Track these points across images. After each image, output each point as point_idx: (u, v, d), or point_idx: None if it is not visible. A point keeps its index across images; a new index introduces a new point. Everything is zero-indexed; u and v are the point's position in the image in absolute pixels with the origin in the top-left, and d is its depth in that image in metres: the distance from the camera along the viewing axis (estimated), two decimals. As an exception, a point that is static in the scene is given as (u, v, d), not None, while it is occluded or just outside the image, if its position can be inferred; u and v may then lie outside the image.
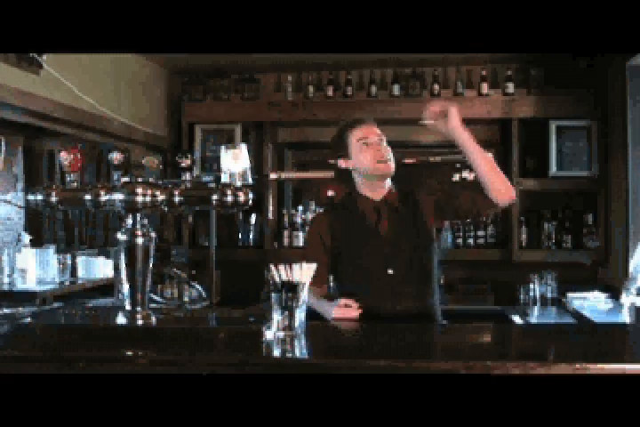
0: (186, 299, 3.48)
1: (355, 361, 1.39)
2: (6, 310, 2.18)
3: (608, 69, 3.91)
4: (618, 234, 3.81)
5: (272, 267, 1.58)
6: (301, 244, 4.26)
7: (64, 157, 2.03)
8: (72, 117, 3.29)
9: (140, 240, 1.91)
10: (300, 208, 4.36)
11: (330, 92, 4.24)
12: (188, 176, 2.00)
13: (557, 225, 4.13)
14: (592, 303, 3.46)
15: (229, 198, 1.87)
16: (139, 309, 1.91)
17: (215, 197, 1.88)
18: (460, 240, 4.24)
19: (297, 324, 1.56)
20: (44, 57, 3.00)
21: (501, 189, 2.12)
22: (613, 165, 3.89)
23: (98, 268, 3.51)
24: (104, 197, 1.91)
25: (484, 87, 4.11)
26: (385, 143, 2.23)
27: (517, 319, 3.46)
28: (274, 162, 4.46)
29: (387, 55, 3.84)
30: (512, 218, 4.09)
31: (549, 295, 3.86)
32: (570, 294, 3.61)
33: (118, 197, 1.89)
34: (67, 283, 3.30)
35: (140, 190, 1.87)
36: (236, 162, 1.92)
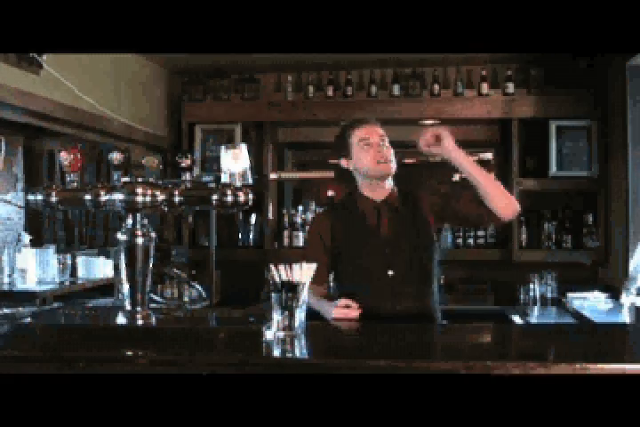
0: (186, 299, 3.48)
1: (355, 361, 1.39)
2: (6, 310, 2.18)
3: (608, 69, 3.91)
4: (618, 234, 3.81)
5: (272, 267, 1.58)
6: (301, 244, 4.26)
7: (64, 157, 2.03)
8: (72, 117, 3.29)
9: (139, 240, 1.91)
10: (300, 208, 4.36)
11: (330, 92, 4.24)
12: (188, 176, 2.00)
13: (557, 225, 4.13)
14: (592, 303, 3.46)
15: (229, 198, 1.87)
16: (139, 309, 1.91)
17: (215, 197, 1.88)
18: (459, 240, 4.24)
19: (297, 324, 1.56)
20: (44, 57, 3.00)
21: (504, 205, 2.13)
22: (613, 165, 3.89)
23: (98, 268, 3.51)
24: (104, 197, 1.91)
25: (484, 87, 4.11)
26: (387, 143, 2.22)
27: (517, 319, 3.47)
28: (274, 162, 4.46)
29: (387, 55, 3.84)
30: (512, 218, 4.09)
31: (549, 295, 3.86)
32: (570, 294, 3.61)
33: (118, 197, 1.89)
34: (67, 283, 3.30)
35: (140, 190, 1.87)
36: (236, 162, 1.92)
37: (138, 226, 1.91)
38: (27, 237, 3.20)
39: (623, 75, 3.58)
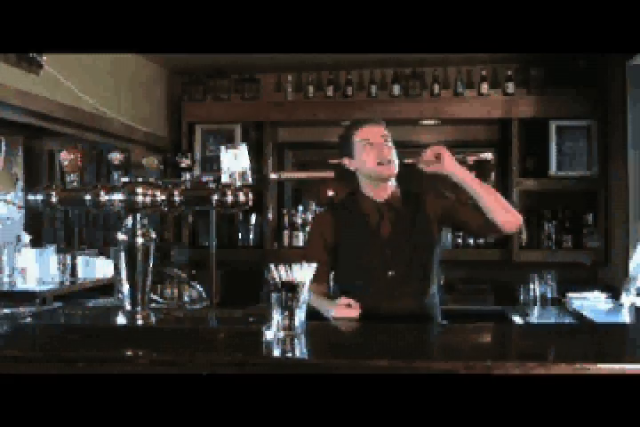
0: (186, 299, 3.48)
1: (355, 361, 1.39)
2: (6, 310, 2.18)
3: (608, 69, 3.91)
4: (618, 234, 3.81)
5: (272, 267, 1.58)
6: (301, 244, 4.26)
7: (64, 157, 2.03)
8: (72, 118, 3.29)
9: (139, 240, 1.91)
10: (300, 208, 4.36)
11: (330, 92, 4.24)
12: (187, 176, 2.00)
13: (557, 225, 4.14)
14: (592, 303, 3.46)
15: (229, 198, 1.88)
16: (139, 309, 1.91)
17: (215, 197, 1.88)
18: (460, 240, 4.24)
19: (297, 324, 1.56)
20: (44, 57, 3.00)
21: (506, 219, 2.13)
22: (613, 165, 3.89)
23: (98, 268, 3.51)
24: (104, 197, 1.91)
25: (484, 87, 4.11)
26: (390, 144, 2.22)
27: (517, 319, 3.46)
28: (274, 162, 4.47)
29: (387, 55, 3.84)
30: (512, 218, 4.09)
31: (549, 295, 3.86)
32: (570, 294, 3.60)
33: (118, 197, 1.89)
34: (67, 283, 3.31)
35: (140, 190, 1.87)
36: (235, 162, 1.92)
37: (138, 226, 1.92)
38: (27, 237, 3.20)
39: (623, 75, 3.58)
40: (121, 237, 1.92)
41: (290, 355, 1.49)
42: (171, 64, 4.34)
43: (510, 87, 4.10)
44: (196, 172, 4.22)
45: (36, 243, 3.30)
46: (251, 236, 4.41)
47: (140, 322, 1.88)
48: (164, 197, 1.90)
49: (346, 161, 2.27)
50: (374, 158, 2.18)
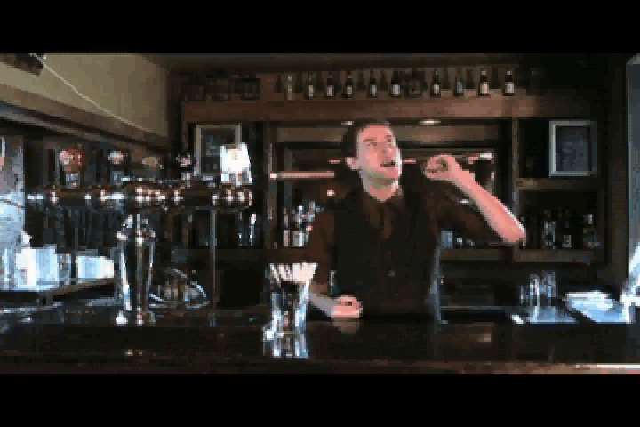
0: (186, 299, 3.48)
1: (355, 361, 1.39)
2: (6, 310, 2.18)
3: (608, 69, 3.91)
4: (618, 234, 3.81)
5: (272, 267, 1.58)
6: (301, 244, 4.26)
7: (64, 157, 2.03)
8: (72, 118, 3.29)
9: (140, 240, 1.91)
10: (300, 208, 4.35)
11: (330, 92, 4.24)
12: (188, 176, 2.00)
13: (557, 225, 4.13)
14: (592, 303, 3.46)
15: (229, 198, 1.88)
16: (139, 309, 1.91)
17: (215, 197, 1.88)
18: (460, 240, 4.24)
19: (297, 324, 1.56)
20: (44, 57, 3.00)
21: (508, 230, 2.14)
22: (613, 165, 3.89)
23: (98, 268, 3.52)
24: (104, 197, 1.91)
25: (484, 87, 4.11)
26: (394, 144, 2.22)
27: (517, 319, 3.47)
28: (274, 162, 4.46)
29: (387, 55, 3.84)
30: (512, 218, 4.09)
31: (549, 295, 3.86)
32: (570, 294, 3.61)
33: (118, 197, 1.89)
34: (67, 283, 3.31)
35: (140, 190, 1.87)
36: (236, 162, 1.92)
37: (138, 226, 1.92)
38: (27, 237, 3.20)
39: (623, 75, 3.58)
40: (121, 237, 1.92)
41: (290, 355, 1.49)
42: (171, 64, 4.34)
43: (510, 87, 4.10)
44: (196, 172, 4.22)
45: (35, 243, 3.29)
46: (251, 236, 4.40)
47: (139, 322, 1.88)
48: (163, 197, 1.90)
49: (349, 161, 2.27)
50: (378, 159, 2.18)
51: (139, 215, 1.92)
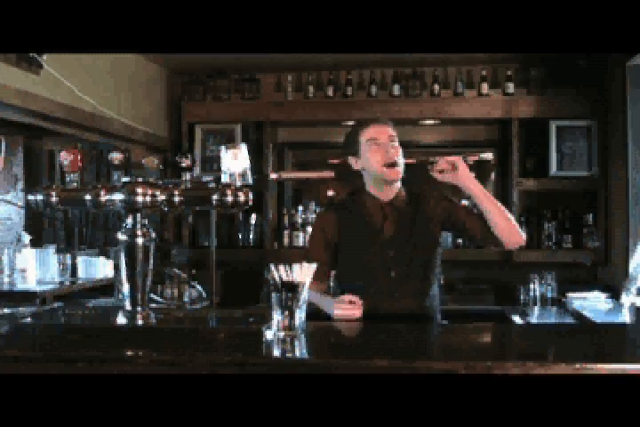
0: (186, 299, 3.48)
1: (355, 361, 1.39)
2: (6, 310, 2.18)
3: (608, 69, 3.91)
4: (618, 234, 3.81)
5: (272, 267, 1.58)
6: (301, 244, 4.26)
7: (64, 157, 2.03)
8: (72, 118, 3.29)
9: (140, 240, 1.91)
10: (300, 208, 4.36)
11: (330, 92, 4.24)
12: (187, 176, 2.00)
13: (557, 225, 4.13)
14: (592, 303, 3.46)
15: (229, 198, 1.88)
16: (139, 309, 1.91)
17: (215, 197, 1.88)
18: (460, 240, 4.24)
19: (297, 324, 1.56)
20: (44, 57, 3.00)
21: (510, 237, 2.15)
22: (613, 165, 3.89)
23: (98, 268, 3.51)
24: (104, 197, 1.91)
25: (484, 87, 4.12)
26: (396, 144, 2.22)
27: (517, 319, 3.46)
28: (274, 162, 4.47)
29: (387, 55, 3.84)
30: (512, 218, 4.09)
31: (549, 295, 3.86)
32: (570, 294, 3.60)
33: (118, 197, 1.89)
34: (67, 283, 3.31)
35: (140, 190, 1.87)
36: (236, 162, 1.92)
37: (138, 226, 1.92)
38: (27, 237, 3.20)
39: (623, 75, 3.58)
40: (121, 237, 1.92)
41: (290, 355, 1.49)
42: (171, 64, 4.34)
43: (510, 87, 4.10)
44: (196, 172, 4.21)
45: (35, 243, 3.29)
46: (251, 236, 4.40)
47: (140, 322, 1.88)
48: (163, 197, 1.90)
49: (351, 160, 2.28)
50: (380, 159, 2.18)
51: (139, 215, 1.92)
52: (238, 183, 1.91)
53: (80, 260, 3.50)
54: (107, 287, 3.41)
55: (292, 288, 1.56)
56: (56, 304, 2.82)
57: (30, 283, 3.10)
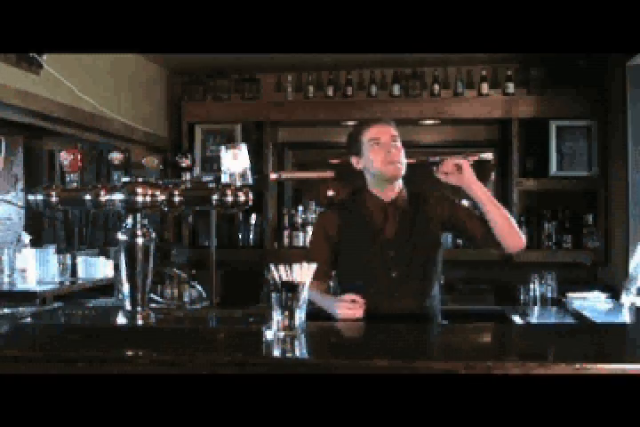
0: (186, 299, 3.48)
1: (355, 361, 1.39)
2: (6, 310, 2.18)
3: (608, 69, 3.91)
4: (618, 234, 3.81)
5: (272, 267, 1.58)
6: (301, 244, 4.26)
7: (64, 157, 2.03)
8: (72, 118, 3.29)
9: (140, 240, 1.91)
10: (300, 208, 4.35)
11: (330, 92, 4.24)
12: (187, 176, 2.00)
13: (557, 225, 4.13)
14: (592, 303, 3.46)
15: (229, 198, 1.88)
16: (139, 309, 1.91)
17: (215, 197, 1.88)
18: (460, 240, 4.24)
19: (297, 324, 1.56)
20: (44, 57, 3.00)
21: (511, 241, 2.15)
22: (613, 165, 3.89)
23: (98, 268, 3.51)
24: (104, 197, 1.91)
25: (484, 87, 4.11)
26: (398, 144, 2.22)
27: (517, 319, 3.46)
28: (274, 162, 4.46)
29: (387, 55, 3.84)
30: (512, 218, 4.09)
31: (549, 295, 3.86)
32: (570, 294, 3.60)
33: (118, 197, 1.89)
34: (67, 283, 3.31)
35: (140, 190, 1.87)
36: (236, 162, 1.92)
37: (138, 226, 1.92)
38: (27, 237, 3.20)
39: (623, 75, 3.58)
40: (121, 237, 1.92)
41: (290, 355, 1.49)
42: (171, 64, 4.34)
43: (510, 87, 4.10)
44: (196, 172, 4.21)
45: (35, 243, 3.29)
46: (251, 236, 4.40)
47: (140, 322, 1.88)
48: (164, 197, 1.90)
49: (353, 160, 2.28)
50: (382, 158, 2.18)
51: (139, 215, 1.92)
52: (238, 183, 1.91)
53: (80, 260, 3.50)
54: (107, 287, 3.40)
55: (292, 288, 1.56)
56: (56, 304, 2.82)
57: (30, 283, 3.10)
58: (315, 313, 2.01)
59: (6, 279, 3.12)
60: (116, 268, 2.05)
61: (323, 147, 4.46)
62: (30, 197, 2.03)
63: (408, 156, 2.23)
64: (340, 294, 2.12)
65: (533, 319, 3.52)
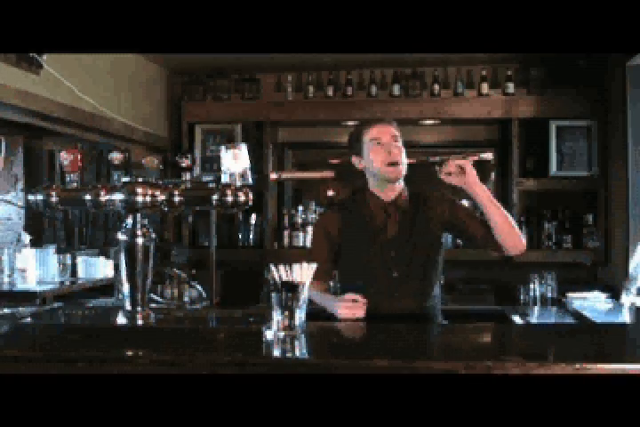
0: (186, 299, 3.48)
1: (355, 361, 1.39)
2: (6, 310, 2.18)
3: (608, 69, 3.91)
4: (618, 234, 3.81)
5: (272, 267, 1.58)
6: (301, 244, 4.26)
7: (64, 157, 2.03)
8: (72, 118, 3.29)
9: (140, 240, 1.91)
10: (300, 208, 4.35)
11: (330, 92, 4.24)
12: (187, 176, 2.00)
13: (557, 225, 4.13)
14: (592, 303, 3.46)
15: (229, 198, 1.88)
16: (139, 309, 1.91)
17: (215, 197, 1.88)
18: (460, 240, 4.23)
19: (297, 324, 1.56)
20: (44, 57, 3.00)
21: (512, 244, 2.15)
22: (613, 165, 3.89)
23: (98, 268, 3.52)
24: (104, 197, 1.91)
25: (484, 87, 4.11)
26: (400, 144, 2.22)
27: (517, 319, 3.46)
28: (274, 162, 4.46)
29: (387, 55, 3.84)
30: (512, 218, 4.10)
31: (549, 295, 3.86)
32: (570, 294, 3.60)
33: (118, 197, 1.89)
34: (67, 283, 3.31)
35: (140, 190, 1.87)
36: (236, 162, 1.92)
37: (138, 226, 1.92)
38: (27, 237, 3.20)
39: (623, 75, 3.58)
40: (121, 237, 1.92)
41: (290, 355, 1.49)
42: (171, 64, 4.34)
43: (510, 87, 4.10)
44: (196, 172, 4.21)
45: (35, 243, 3.29)
46: (251, 236, 4.40)
47: (139, 322, 1.88)
48: (164, 197, 1.90)
49: (354, 160, 2.28)
50: (383, 158, 2.18)
51: (139, 215, 1.92)
52: (238, 183, 1.91)
53: (80, 260, 3.50)
54: (107, 287, 3.40)
55: (292, 288, 1.56)
56: (56, 304, 2.82)
57: (30, 283, 3.10)
58: (315, 313, 2.01)
59: (6, 279, 3.12)
60: (116, 268, 2.05)
61: (323, 147, 4.46)
62: (30, 197, 2.03)
63: (408, 156, 2.23)
64: (341, 293, 2.12)
65: (533, 319, 3.52)
